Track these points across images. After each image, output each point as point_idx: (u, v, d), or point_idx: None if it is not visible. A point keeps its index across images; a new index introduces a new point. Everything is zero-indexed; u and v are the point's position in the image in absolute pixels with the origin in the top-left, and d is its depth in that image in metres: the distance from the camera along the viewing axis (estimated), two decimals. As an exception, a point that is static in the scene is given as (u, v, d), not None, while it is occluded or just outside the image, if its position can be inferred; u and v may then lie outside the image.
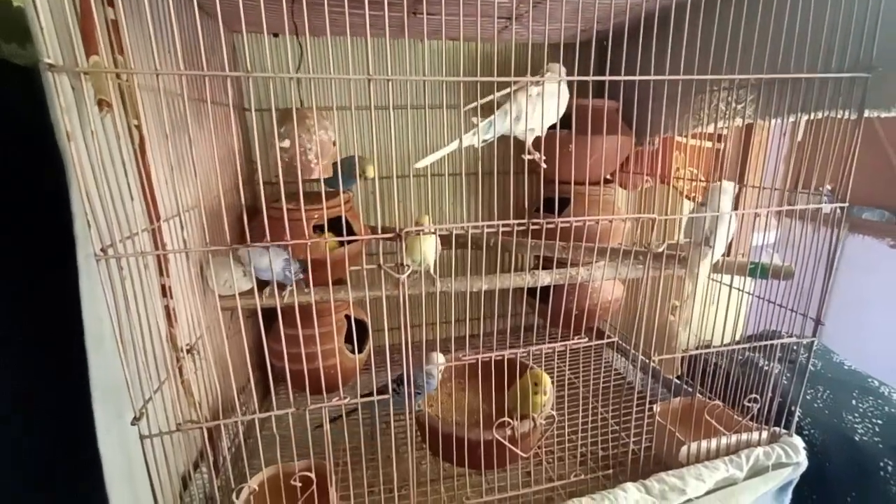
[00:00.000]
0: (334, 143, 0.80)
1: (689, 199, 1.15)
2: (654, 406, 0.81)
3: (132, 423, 0.48)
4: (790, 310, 0.71)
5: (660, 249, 0.67)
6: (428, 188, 1.21)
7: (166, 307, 0.63)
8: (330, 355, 1.03)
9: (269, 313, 1.06)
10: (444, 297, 1.37)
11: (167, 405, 0.55)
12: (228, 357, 0.61)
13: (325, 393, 1.01)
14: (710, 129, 0.98)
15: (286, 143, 0.73)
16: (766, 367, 0.96)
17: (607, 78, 0.57)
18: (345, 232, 0.88)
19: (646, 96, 0.83)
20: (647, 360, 0.91)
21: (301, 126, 0.74)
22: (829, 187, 0.71)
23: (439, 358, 0.75)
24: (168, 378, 0.57)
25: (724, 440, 0.74)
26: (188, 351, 0.64)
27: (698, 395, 0.85)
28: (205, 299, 0.78)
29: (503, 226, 0.54)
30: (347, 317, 1.09)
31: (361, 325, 1.15)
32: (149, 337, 0.52)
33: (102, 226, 0.46)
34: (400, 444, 0.90)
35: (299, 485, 0.58)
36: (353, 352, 1.10)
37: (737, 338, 1.18)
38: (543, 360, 0.70)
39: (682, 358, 1.01)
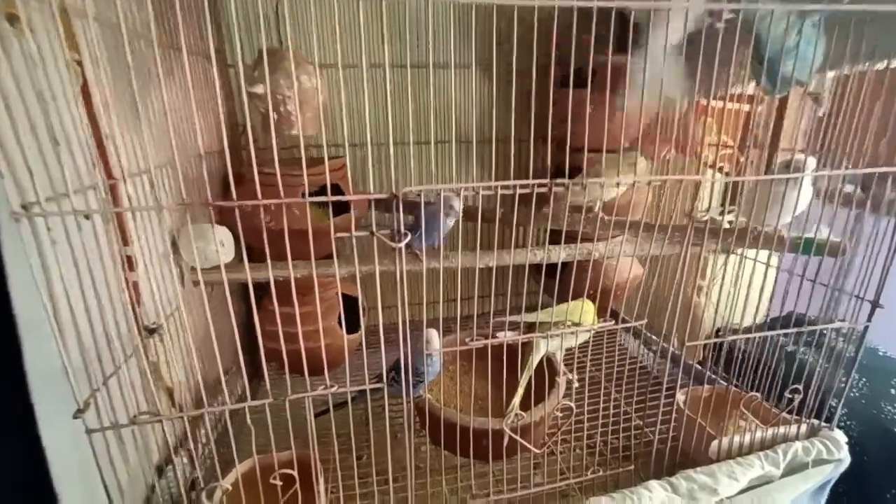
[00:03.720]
0: (319, 92, 0.69)
1: (719, 171, 1.04)
2: (677, 395, 0.73)
3: (74, 417, 0.41)
4: (848, 293, 0.62)
5: (704, 218, 0.57)
6: (432, 156, 1.11)
7: (128, 281, 0.55)
8: (320, 335, 0.95)
9: (256, 290, 0.99)
10: (446, 274, 1.29)
11: (127, 394, 0.47)
12: (214, 337, 0.53)
13: (312, 375, 0.94)
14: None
15: (259, 89, 0.63)
16: (799, 354, 0.88)
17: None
18: (329, 193, 0.79)
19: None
20: (668, 345, 0.83)
21: (278, 69, 0.64)
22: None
23: (434, 337, 0.67)
24: (127, 363, 0.49)
25: (758, 434, 0.67)
26: (152, 332, 0.56)
27: (721, 382, 0.77)
28: (178, 273, 0.70)
29: (520, 187, 0.45)
30: (343, 295, 1.01)
31: (355, 302, 1.07)
32: (98, 315, 0.44)
33: (24, 179, 0.37)
34: (398, 431, 0.83)
35: (279, 483, 0.50)
36: (347, 331, 1.02)
37: (759, 320, 1.10)
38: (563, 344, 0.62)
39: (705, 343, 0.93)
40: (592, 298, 1.01)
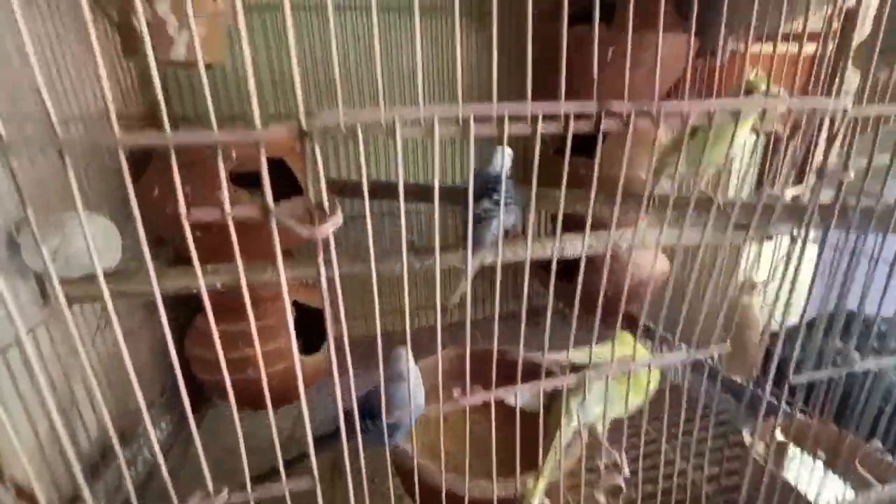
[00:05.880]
0: None
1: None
2: (746, 436, 0.53)
3: None
4: None
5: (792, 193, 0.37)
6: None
7: None
8: (272, 359, 0.74)
9: (184, 304, 0.76)
10: (427, 275, 1.09)
11: None
12: (86, 369, 0.31)
13: (264, 409, 0.73)
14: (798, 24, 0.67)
15: None
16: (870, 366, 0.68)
17: None
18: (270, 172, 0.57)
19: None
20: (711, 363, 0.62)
21: None
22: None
23: (402, 360, 0.46)
24: None
25: (872, 494, 0.47)
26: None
27: (799, 415, 0.57)
28: (34, 287, 0.48)
29: (544, 118, 0.24)
30: (297, 304, 0.80)
31: (317, 315, 0.86)
32: None
33: None
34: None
35: None
36: (307, 351, 0.81)
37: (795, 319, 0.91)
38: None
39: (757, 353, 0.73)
40: (610, 302, 0.82)
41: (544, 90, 0.28)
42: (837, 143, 0.33)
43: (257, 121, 0.22)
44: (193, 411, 0.28)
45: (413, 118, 0.23)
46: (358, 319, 1.03)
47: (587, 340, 0.35)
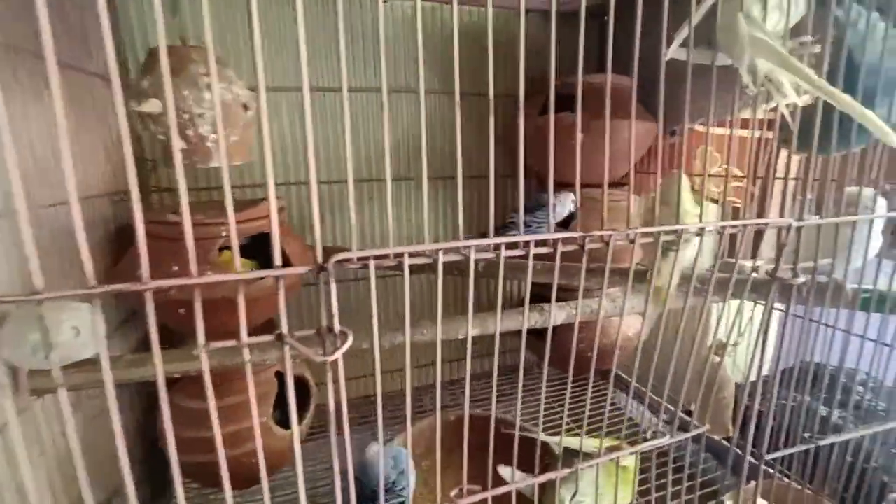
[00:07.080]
0: (246, 108, 0.50)
1: (714, 202, 0.93)
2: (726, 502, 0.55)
3: None
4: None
5: (755, 265, 0.41)
6: (387, 196, 0.94)
7: None
8: (248, 437, 0.71)
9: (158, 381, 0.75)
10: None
11: None
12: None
13: (240, 489, 0.70)
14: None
15: (152, 106, 0.43)
16: (833, 418, 0.72)
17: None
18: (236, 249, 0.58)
19: (674, 71, 0.60)
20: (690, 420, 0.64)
21: (181, 76, 0.43)
22: (887, 186, 0.51)
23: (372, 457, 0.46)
24: None
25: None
26: None
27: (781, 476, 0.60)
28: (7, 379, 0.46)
29: (536, 244, 0.27)
30: (279, 374, 0.78)
31: (300, 383, 0.84)
32: None
33: None
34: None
35: None
36: (285, 424, 0.79)
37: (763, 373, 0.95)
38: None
39: (731, 411, 0.77)
40: (589, 358, 0.84)
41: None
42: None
43: (278, 259, 0.24)
44: (161, 492, 0.27)
45: (419, 251, 0.25)
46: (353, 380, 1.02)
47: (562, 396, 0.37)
